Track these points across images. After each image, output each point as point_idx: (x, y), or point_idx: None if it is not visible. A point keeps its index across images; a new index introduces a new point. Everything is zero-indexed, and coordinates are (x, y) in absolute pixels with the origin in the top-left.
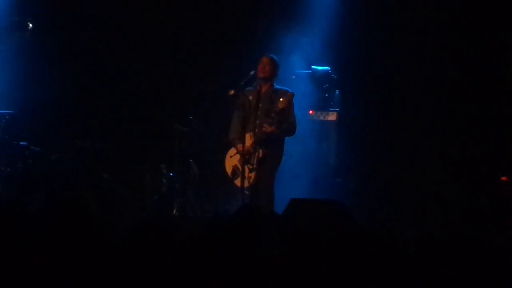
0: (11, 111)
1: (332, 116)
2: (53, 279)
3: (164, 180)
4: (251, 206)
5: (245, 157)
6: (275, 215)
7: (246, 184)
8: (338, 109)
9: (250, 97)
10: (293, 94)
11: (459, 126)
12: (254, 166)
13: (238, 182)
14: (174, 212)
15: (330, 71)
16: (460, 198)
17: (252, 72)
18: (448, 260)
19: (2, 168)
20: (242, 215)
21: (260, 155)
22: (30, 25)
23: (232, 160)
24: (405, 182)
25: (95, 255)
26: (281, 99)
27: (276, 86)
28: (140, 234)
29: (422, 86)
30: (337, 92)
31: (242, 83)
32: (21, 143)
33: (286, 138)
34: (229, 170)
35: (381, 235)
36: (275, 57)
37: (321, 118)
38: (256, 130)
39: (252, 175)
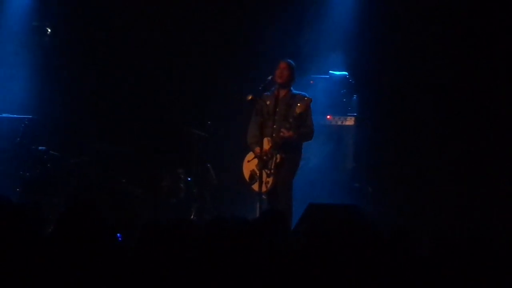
0: (30, 116)
1: (350, 121)
2: (65, 281)
3: (181, 185)
4: (273, 210)
5: (263, 162)
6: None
7: (263, 189)
8: (355, 114)
9: (268, 102)
10: (310, 100)
11: (480, 129)
12: (272, 171)
13: (255, 187)
14: (192, 217)
15: (347, 76)
16: (479, 201)
17: (269, 77)
18: (464, 263)
19: (21, 172)
20: (265, 220)
21: (278, 160)
22: (49, 30)
23: (249, 164)
24: (423, 186)
25: (106, 259)
26: (299, 104)
27: (294, 91)
28: (150, 238)
29: (441, 91)
30: (354, 97)
31: (260, 88)
32: (39, 147)
33: (304, 143)
34: (246, 175)
35: (398, 239)
36: (292, 62)
37: (339, 123)
38: (274, 134)
39: (270, 180)
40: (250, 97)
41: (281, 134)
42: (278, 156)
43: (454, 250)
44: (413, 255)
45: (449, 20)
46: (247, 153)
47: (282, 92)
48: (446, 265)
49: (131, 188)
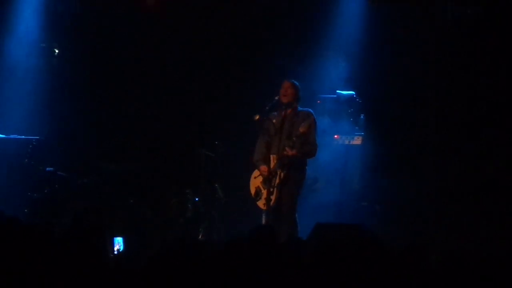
0: (37, 137)
1: (357, 140)
2: None
3: (189, 205)
4: (264, 227)
5: (267, 179)
6: (295, 238)
7: (267, 207)
8: (363, 133)
9: (274, 121)
10: (314, 120)
11: (489, 147)
12: (275, 188)
13: (260, 203)
14: (199, 237)
15: (355, 96)
16: (488, 218)
17: (276, 97)
18: (474, 280)
19: (29, 193)
20: (255, 236)
21: (281, 177)
22: (56, 51)
23: (255, 181)
24: (431, 204)
25: (116, 278)
26: (303, 123)
27: (299, 108)
28: (162, 258)
29: (449, 111)
30: (362, 116)
31: (267, 108)
32: (47, 168)
33: (312, 163)
34: (252, 191)
35: (406, 258)
36: (295, 81)
37: (346, 142)
38: (279, 152)
39: (272, 197)
40: (257, 117)
41: (285, 153)
42: (281, 174)
43: (463, 268)
44: (422, 273)
45: (456, 40)
46: (255, 170)
47: (288, 111)
48: (455, 282)
49: (139, 208)
